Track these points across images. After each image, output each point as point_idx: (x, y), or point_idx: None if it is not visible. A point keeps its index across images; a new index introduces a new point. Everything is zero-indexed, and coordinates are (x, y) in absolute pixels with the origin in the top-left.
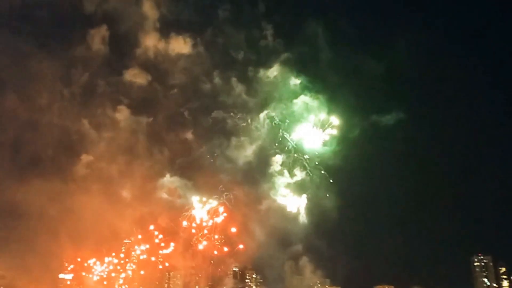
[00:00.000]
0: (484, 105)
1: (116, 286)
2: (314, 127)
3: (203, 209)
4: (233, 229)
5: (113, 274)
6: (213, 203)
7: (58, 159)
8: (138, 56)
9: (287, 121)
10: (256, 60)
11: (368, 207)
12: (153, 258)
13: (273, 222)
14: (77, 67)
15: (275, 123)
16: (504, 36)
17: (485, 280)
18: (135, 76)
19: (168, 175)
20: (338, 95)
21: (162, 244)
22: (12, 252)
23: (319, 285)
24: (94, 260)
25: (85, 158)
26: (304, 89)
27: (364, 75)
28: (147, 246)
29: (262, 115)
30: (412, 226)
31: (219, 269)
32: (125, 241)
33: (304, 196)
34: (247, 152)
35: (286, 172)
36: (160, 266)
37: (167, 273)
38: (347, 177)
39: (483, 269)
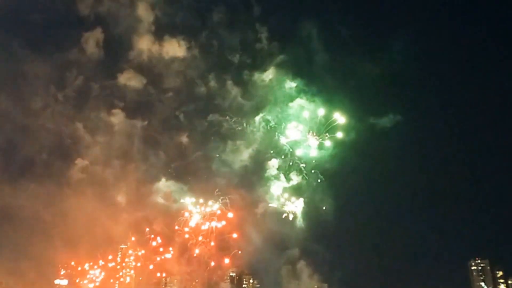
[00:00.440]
0: (481, 107)
1: None
2: (310, 130)
3: (199, 213)
4: (234, 235)
5: (111, 280)
6: (208, 207)
7: (52, 163)
8: (133, 59)
9: (283, 124)
10: (251, 63)
11: (365, 210)
12: (151, 266)
13: (270, 226)
14: (71, 70)
15: (270, 127)
16: (502, 37)
17: (482, 284)
18: (130, 79)
19: (163, 179)
20: (334, 98)
21: (161, 249)
22: (6, 257)
23: None
24: (89, 265)
25: (80, 162)
26: (300, 92)
27: (360, 77)
28: (143, 251)
29: (257, 119)
30: (409, 230)
31: (216, 274)
32: (121, 246)
33: (301, 200)
34: (243, 156)
35: (282, 176)
36: (158, 274)
37: (163, 279)
38: (344, 181)
39: (480, 273)
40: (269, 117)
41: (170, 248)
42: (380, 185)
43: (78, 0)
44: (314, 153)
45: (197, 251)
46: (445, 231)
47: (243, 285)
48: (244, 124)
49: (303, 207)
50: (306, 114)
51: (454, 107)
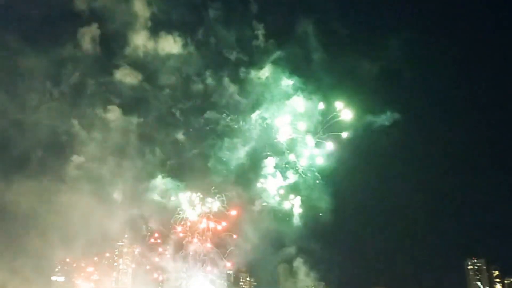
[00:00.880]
0: (481, 106)
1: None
2: (307, 128)
3: (195, 211)
4: (234, 236)
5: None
6: (205, 205)
7: (48, 159)
8: (129, 55)
9: (280, 122)
10: (247, 60)
11: (362, 209)
12: (146, 264)
13: (266, 224)
14: (66, 65)
15: (267, 124)
16: (502, 35)
17: (479, 283)
18: (126, 76)
19: (160, 176)
20: (331, 96)
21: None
22: (2, 253)
23: (313, 287)
24: (85, 262)
25: (76, 158)
26: (297, 90)
27: (358, 75)
28: (139, 248)
29: (254, 117)
30: (406, 229)
31: (213, 272)
32: (118, 243)
33: (298, 198)
34: (240, 153)
35: (279, 174)
36: (155, 275)
37: (161, 275)
38: (341, 179)
39: (477, 273)
40: (265, 115)
41: (164, 246)
42: (377, 183)
43: None
44: (311, 151)
45: (192, 248)
46: (441, 231)
47: (240, 283)
48: (241, 122)
49: (300, 205)
50: (303, 112)
51: (453, 105)
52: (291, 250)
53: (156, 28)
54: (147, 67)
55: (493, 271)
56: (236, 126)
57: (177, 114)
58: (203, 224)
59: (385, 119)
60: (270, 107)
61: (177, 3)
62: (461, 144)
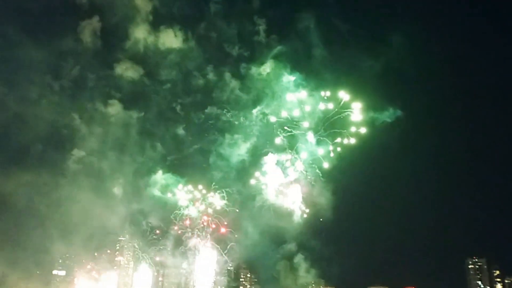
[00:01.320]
0: (483, 104)
1: (109, 283)
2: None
3: (195, 207)
4: (236, 236)
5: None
6: (206, 201)
7: (48, 153)
8: (130, 49)
9: (281, 118)
10: (248, 56)
11: (363, 206)
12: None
13: (267, 220)
14: (67, 59)
15: (268, 120)
16: (503, 33)
17: (479, 282)
18: (127, 70)
19: (160, 172)
20: (333, 92)
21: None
22: (3, 247)
23: (313, 285)
24: (86, 256)
25: (76, 152)
26: (299, 86)
27: (360, 71)
28: (140, 244)
29: (255, 113)
30: (407, 227)
31: (213, 268)
32: (120, 238)
33: (299, 195)
34: (241, 149)
35: (280, 170)
36: (155, 273)
37: (161, 271)
38: (342, 176)
39: (477, 272)
40: (266, 111)
41: (165, 242)
42: (378, 181)
43: None
44: (312, 148)
45: (193, 244)
46: (442, 230)
47: (241, 279)
48: (242, 118)
49: (301, 202)
50: (304, 108)
51: (455, 102)
52: (292, 246)
53: (157, 22)
54: (148, 61)
55: (494, 271)
56: (236, 122)
57: (178, 109)
58: (203, 221)
59: (387, 116)
60: (271, 103)
61: None
62: (463, 143)
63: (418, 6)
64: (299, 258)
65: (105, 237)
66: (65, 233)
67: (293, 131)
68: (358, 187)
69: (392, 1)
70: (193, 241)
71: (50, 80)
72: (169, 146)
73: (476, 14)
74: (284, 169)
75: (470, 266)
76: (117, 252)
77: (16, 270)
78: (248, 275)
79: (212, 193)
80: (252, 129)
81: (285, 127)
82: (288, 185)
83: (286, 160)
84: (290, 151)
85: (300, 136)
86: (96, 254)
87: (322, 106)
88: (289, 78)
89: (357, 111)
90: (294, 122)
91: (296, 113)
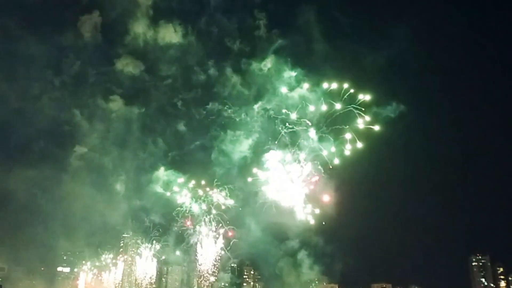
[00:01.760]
0: (488, 99)
1: (113, 279)
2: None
3: (197, 203)
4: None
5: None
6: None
7: (51, 149)
8: (131, 44)
9: (283, 114)
10: (249, 51)
11: (367, 203)
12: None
13: (270, 217)
14: (68, 54)
15: (269, 116)
16: (508, 29)
17: (483, 280)
18: (128, 65)
19: (162, 168)
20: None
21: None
22: (10, 244)
23: (316, 282)
24: (90, 253)
25: (78, 149)
26: (300, 81)
27: (363, 66)
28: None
29: (257, 108)
30: (410, 224)
31: (217, 265)
32: (123, 235)
33: (301, 191)
34: (242, 146)
35: (282, 166)
36: (158, 270)
37: (165, 268)
38: (346, 173)
39: (481, 269)
40: (268, 107)
41: (168, 238)
42: (382, 178)
43: None
44: (314, 144)
45: (195, 241)
46: (446, 227)
47: (244, 276)
48: (243, 114)
49: (304, 199)
50: (306, 104)
51: (459, 98)
52: (295, 243)
53: (158, 17)
54: (149, 56)
55: (498, 268)
56: (238, 119)
57: (179, 104)
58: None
59: (390, 111)
60: (272, 99)
61: None
62: (467, 139)
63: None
64: (302, 255)
65: (108, 234)
66: (69, 230)
67: (294, 127)
68: (361, 184)
69: None
70: (195, 238)
71: (51, 75)
72: (171, 142)
73: (482, 8)
74: (286, 165)
75: (473, 264)
76: (121, 249)
77: (21, 267)
78: (252, 272)
79: (214, 190)
80: (254, 126)
81: (287, 124)
82: (290, 182)
83: (288, 157)
84: (292, 147)
85: (302, 133)
86: (99, 250)
87: (324, 101)
88: (290, 74)
89: (361, 107)
90: (296, 119)
91: (298, 109)
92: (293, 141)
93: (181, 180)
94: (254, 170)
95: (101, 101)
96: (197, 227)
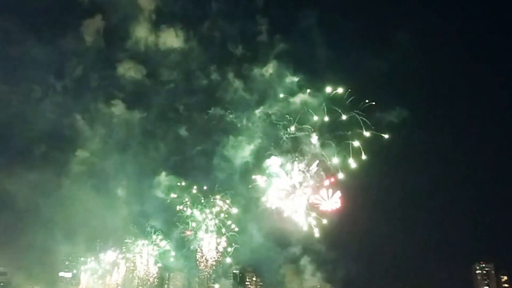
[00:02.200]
0: (491, 104)
1: (115, 285)
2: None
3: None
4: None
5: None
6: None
7: (52, 153)
8: (133, 49)
9: (285, 121)
10: (251, 56)
11: (369, 210)
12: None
13: (272, 224)
14: (70, 58)
15: (271, 122)
16: (508, 34)
17: None
18: (130, 70)
19: (163, 173)
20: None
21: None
22: (12, 248)
23: None
24: (93, 258)
25: (80, 153)
26: (302, 87)
27: (366, 72)
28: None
29: (258, 114)
30: (413, 231)
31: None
32: (125, 240)
33: (303, 197)
34: (244, 151)
35: (283, 173)
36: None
37: (167, 274)
38: (348, 178)
39: (485, 277)
40: (270, 112)
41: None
42: (384, 184)
43: None
44: (316, 150)
45: (196, 247)
46: (450, 234)
47: (246, 283)
48: (245, 120)
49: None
50: (308, 110)
51: (463, 102)
52: (297, 250)
53: (160, 21)
54: (151, 61)
55: (502, 276)
56: (239, 125)
57: (181, 109)
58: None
59: (393, 116)
60: (274, 104)
61: None
62: (470, 145)
63: (424, 4)
64: (304, 261)
65: (110, 239)
66: (70, 235)
67: (296, 133)
68: (363, 190)
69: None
70: (196, 244)
71: (53, 79)
72: (172, 147)
73: (484, 14)
74: (288, 172)
75: (477, 272)
76: (122, 255)
77: (22, 271)
78: (254, 279)
79: (216, 196)
80: (256, 131)
81: (288, 129)
82: (292, 188)
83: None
84: (293, 153)
85: (304, 139)
86: (100, 255)
87: (326, 107)
88: (292, 79)
89: (363, 112)
90: (298, 124)
91: (300, 114)
92: (295, 147)
93: (182, 185)
94: (256, 176)
95: (103, 106)
96: (199, 233)
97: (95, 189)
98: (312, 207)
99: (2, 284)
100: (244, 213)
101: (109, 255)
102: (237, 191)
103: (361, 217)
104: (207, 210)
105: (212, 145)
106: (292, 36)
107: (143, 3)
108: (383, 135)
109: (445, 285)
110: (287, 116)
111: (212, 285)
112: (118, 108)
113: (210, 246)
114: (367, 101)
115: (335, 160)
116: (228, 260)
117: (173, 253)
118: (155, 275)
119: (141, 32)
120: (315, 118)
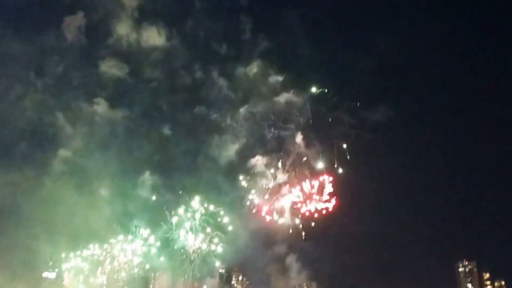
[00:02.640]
0: (477, 104)
1: (100, 285)
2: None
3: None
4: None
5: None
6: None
7: (33, 152)
8: (115, 46)
9: (270, 121)
10: (235, 54)
11: (354, 208)
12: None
13: (257, 223)
14: (51, 56)
15: (257, 122)
16: (500, 32)
17: (469, 285)
18: (112, 68)
19: (147, 172)
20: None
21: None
22: None
23: (305, 287)
24: (76, 259)
25: (62, 152)
26: (287, 85)
27: (351, 70)
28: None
29: (243, 113)
30: (397, 230)
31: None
32: (110, 241)
33: (288, 197)
34: (229, 151)
35: (269, 173)
36: (143, 275)
37: (152, 274)
38: (332, 177)
39: (468, 275)
40: (254, 111)
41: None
42: (369, 182)
43: None
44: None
45: (181, 245)
46: (433, 232)
47: (232, 282)
48: (229, 119)
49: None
50: (292, 109)
51: (449, 102)
52: (282, 248)
53: (143, 19)
54: (133, 59)
55: (484, 273)
56: (223, 125)
57: (164, 108)
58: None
59: (378, 115)
60: (259, 104)
61: None
62: (454, 145)
63: (409, 4)
64: (291, 258)
65: (93, 239)
66: (53, 235)
67: (281, 132)
68: (348, 188)
69: None
70: (180, 244)
71: (34, 77)
72: (156, 146)
73: (472, 11)
74: (272, 171)
75: (460, 270)
76: (107, 254)
77: (4, 272)
78: (240, 278)
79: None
80: (241, 130)
81: (272, 128)
82: (277, 187)
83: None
84: (278, 153)
85: (288, 138)
86: (84, 255)
87: (310, 106)
88: (276, 78)
89: (348, 111)
90: (282, 123)
91: (284, 113)
92: (279, 146)
93: (166, 184)
94: (240, 175)
95: (85, 104)
96: (183, 231)
97: (78, 188)
98: (297, 206)
99: None
100: (229, 213)
101: (93, 255)
102: (222, 190)
103: (346, 216)
104: (191, 209)
105: (197, 144)
106: (276, 35)
107: (125, 0)
108: (367, 134)
109: (428, 283)
110: (271, 115)
111: (199, 285)
112: (101, 107)
113: (194, 245)
114: (349, 100)
115: (320, 159)
116: (214, 259)
117: (157, 252)
118: (141, 274)
119: (123, 30)
120: (299, 115)
